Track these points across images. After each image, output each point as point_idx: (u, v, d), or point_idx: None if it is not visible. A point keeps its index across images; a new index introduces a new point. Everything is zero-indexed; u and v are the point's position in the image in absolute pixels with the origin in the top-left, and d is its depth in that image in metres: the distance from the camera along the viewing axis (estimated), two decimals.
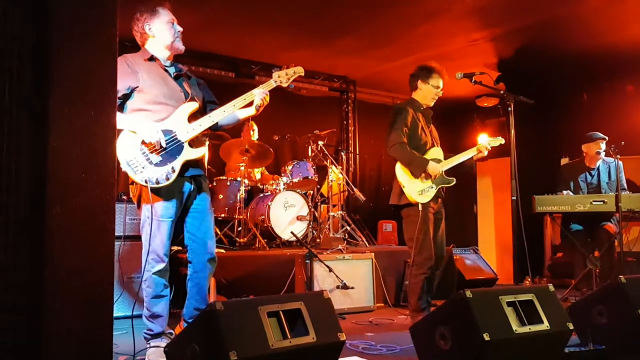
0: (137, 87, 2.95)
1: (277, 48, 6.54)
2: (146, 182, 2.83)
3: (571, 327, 2.62)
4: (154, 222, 2.89)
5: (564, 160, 6.98)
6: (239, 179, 5.73)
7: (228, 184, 5.76)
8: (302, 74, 3.18)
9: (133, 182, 2.95)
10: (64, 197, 1.13)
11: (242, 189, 5.64)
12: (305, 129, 6.44)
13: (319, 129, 6.31)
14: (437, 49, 6.13)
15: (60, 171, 1.14)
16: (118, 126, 2.80)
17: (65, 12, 1.17)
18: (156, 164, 2.87)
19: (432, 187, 3.90)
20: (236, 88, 7.20)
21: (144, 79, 2.97)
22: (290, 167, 6.02)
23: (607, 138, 5.35)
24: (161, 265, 2.94)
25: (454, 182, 4.02)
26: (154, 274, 2.92)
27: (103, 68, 1.25)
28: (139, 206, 2.98)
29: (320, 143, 6.24)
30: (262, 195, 5.96)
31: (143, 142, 2.88)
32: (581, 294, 4.94)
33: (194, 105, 3.05)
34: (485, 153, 4.21)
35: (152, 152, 2.88)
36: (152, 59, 3.07)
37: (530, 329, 2.48)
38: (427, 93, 4.06)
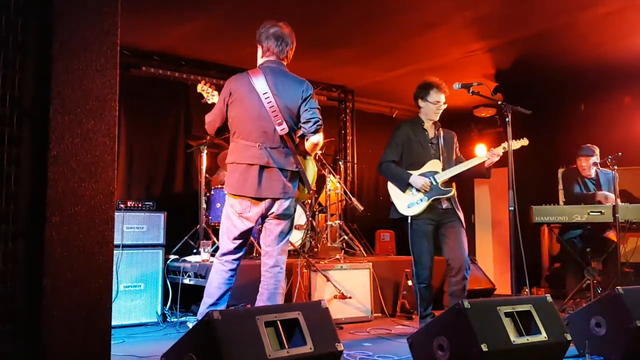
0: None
1: None
2: None
3: (569, 338, 2.63)
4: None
5: (562, 171, 6.99)
6: None
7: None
8: None
9: None
10: (63, 205, 1.14)
11: None
12: None
13: None
14: (435, 60, 6.14)
15: (60, 180, 1.14)
16: None
17: (67, 23, 1.18)
18: None
19: (422, 200, 3.95)
20: None
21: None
22: None
23: (596, 152, 5.37)
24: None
25: (452, 193, 3.98)
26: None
27: (103, 77, 1.25)
28: None
29: (319, 152, 6.24)
30: None
31: None
32: (579, 305, 4.93)
33: None
34: (495, 159, 3.99)
35: None
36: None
37: (528, 339, 2.48)
38: (428, 110, 4.12)
